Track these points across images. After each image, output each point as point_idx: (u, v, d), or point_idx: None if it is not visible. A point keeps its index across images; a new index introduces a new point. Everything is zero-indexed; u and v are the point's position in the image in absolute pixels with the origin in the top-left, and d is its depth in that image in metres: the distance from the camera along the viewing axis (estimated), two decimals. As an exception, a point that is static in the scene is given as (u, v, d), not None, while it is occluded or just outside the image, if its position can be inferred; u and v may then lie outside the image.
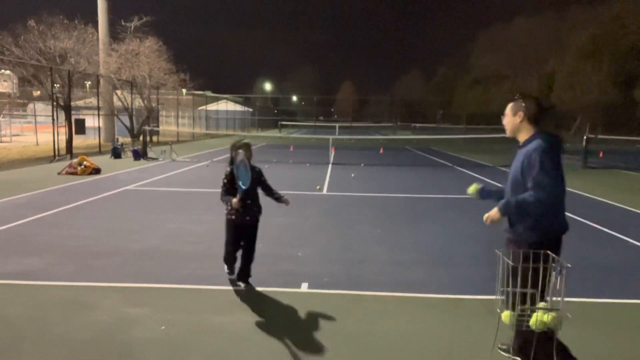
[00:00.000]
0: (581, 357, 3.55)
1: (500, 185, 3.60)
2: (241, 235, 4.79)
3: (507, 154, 22.42)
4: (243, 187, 4.41)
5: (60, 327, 3.85)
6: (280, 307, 4.36)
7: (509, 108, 3.26)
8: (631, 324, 4.14)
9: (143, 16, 26.34)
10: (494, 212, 3.16)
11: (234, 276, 4.92)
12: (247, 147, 4.62)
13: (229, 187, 4.63)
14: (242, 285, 4.81)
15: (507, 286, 3.05)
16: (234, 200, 4.48)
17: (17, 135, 29.14)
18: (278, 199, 4.79)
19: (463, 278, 5.21)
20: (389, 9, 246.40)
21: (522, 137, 3.20)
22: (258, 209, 4.78)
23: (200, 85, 34.29)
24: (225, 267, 5.02)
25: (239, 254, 4.91)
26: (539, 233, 3.08)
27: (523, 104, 3.19)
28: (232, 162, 4.63)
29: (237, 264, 4.93)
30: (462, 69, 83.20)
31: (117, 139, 20.45)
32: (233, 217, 4.68)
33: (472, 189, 3.48)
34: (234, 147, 4.64)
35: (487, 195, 3.50)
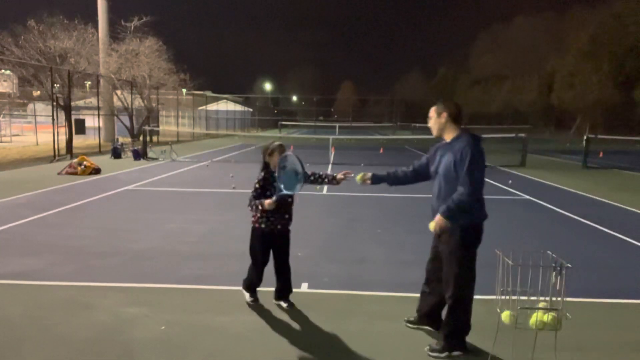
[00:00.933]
0: (581, 357, 3.56)
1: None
2: (270, 246, 4.30)
3: (507, 153, 22.43)
4: (284, 192, 3.92)
5: (60, 327, 3.85)
6: (280, 307, 4.35)
7: (433, 111, 3.60)
8: (631, 324, 4.14)
9: (143, 16, 26.34)
10: (440, 220, 3.38)
11: (257, 299, 4.44)
12: (282, 148, 4.17)
13: (261, 192, 4.16)
14: (284, 305, 4.36)
15: (507, 286, 3.06)
16: (267, 201, 4.02)
17: (17, 135, 29.15)
18: (330, 180, 4.31)
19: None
20: (389, 9, 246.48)
21: (449, 136, 3.54)
22: (290, 218, 4.29)
23: (200, 85, 34.32)
24: (247, 294, 4.43)
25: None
26: (470, 219, 3.39)
27: (445, 106, 3.55)
28: (265, 167, 4.21)
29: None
30: (462, 69, 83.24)
31: (117, 139, 20.45)
32: (263, 225, 4.19)
33: (359, 177, 3.88)
34: (271, 150, 4.17)
35: (378, 180, 3.92)
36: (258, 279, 4.38)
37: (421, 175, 3.84)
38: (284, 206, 4.18)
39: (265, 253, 4.31)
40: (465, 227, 3.39)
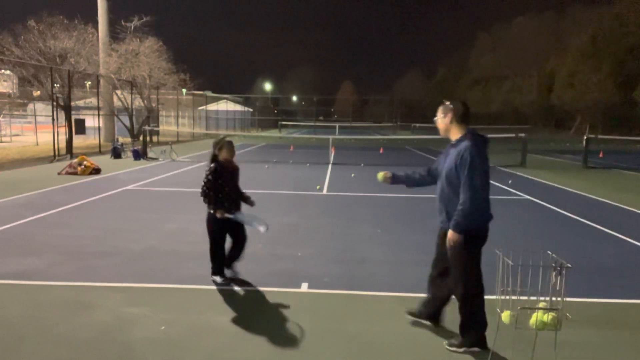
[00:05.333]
0: (581, 357, 3.55)
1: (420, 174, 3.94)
2: (226, 228, 4.82)
3: (507, 153, 22.42)
4: (243, 218, 4.75)
5: (60, 327, 3.85)
6: (280, 307, 4.35)
7: (440, 111, 3.61)
8: (631, 324, 4.14)
9: (143, 16, 26.32)
10: (454, 237, 3.40)
11: (230, 273, 4.95)
12: (230, 145, 4.78)
13: (214, 183, 4.65)
14: (229, 272, 4.92)
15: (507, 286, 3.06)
16: (219, 213, 4.63)
17: (17, 135, 29.14)
18: (245, 199, 4.94)
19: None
20: (389, 9, 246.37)
21: (454, 136, 3.55)
22: (237, 201, 4.89)
23: (200, 85, 34.29)
24: (218, 278, 4.89)
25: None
26: (475, 222, 3.39)
27: (451, 106, 3.55)
28: (214, 159, 4.74)
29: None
30: (462, 69, 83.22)
31: (117, 139, 20.44)
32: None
33: (381, 175, 3.91)
34: (220, 146, 4.76)
35: (397, 180, 3.95)
36: (223, 256, 4.87)
37: (435, 177, 3.81)
38: (237, 193, 4.84)
39: (223, 235, 4.82)
40: (469, 230, 3.40)
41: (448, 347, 3.58)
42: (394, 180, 3.93)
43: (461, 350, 3.53)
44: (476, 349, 3.53)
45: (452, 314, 3.84)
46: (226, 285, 4.79)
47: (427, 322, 3.96)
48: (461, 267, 3.47)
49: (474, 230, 3.41)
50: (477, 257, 3.49)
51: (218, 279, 4.86)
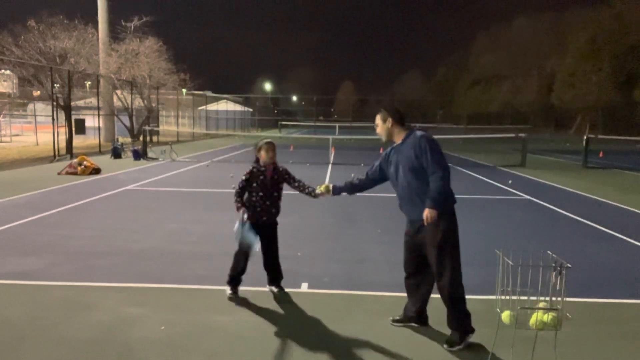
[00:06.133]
0: (581, 357, 3.55)
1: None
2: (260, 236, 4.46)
3: (507, 153, 22.44)
4: (249, 245, 4.33)
5: (60, 327, 3.85)
6: (280, 307, 4.35)
7: (378, 118, 3.81)
8: (631, 324, 4.13)
9: (143, 16, 26.35)
10: (431, 212, 3.48)
11: (235, 294, 4.55)
12: (269, 146, 4.46)
13: (247, 184, 4.43)
14: (275, 290, 4.61)
15: (507, 286, 3.06)
16: (241, 210, 4.35)
17: (17, 135, 29.15)
18: (309, 193, 4.67)
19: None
20: (389, 9, 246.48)
21: (399, 137, 3.75)
22: (277, 211, 4.58)
23: (200, 85, 34.34)
24: (229, 289, 4.52)
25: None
26: (450, 202, 3.60)
27: (388, 112, 3.75)
28: (257, 160, 4.49)
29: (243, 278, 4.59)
30: (462, 69, 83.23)
31: (117, 139, 20.45)
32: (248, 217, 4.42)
33: (323, 188, 4.19)
34: (259, 147, 4.49)
35: (338, 191, 4.22)
36: (242, 269, 4.47)
37: (376, 179, 4.11)
38: (272, 200, 4.50)
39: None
40: (449, 213, 3.58)
41: (450, 349, 3.56)
42: (335, 191, 4.19)
43: (462, 345, 3.54)
44: (471, 334, 3.58)
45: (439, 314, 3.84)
46: (233, 300, 4.47)
47: (416, 325, 3.96)
48: (449, 254, 3.53)
49: (452, 213, 3.60)
50: (458, 241, 3.62)
51: (227, 290, 4.53)
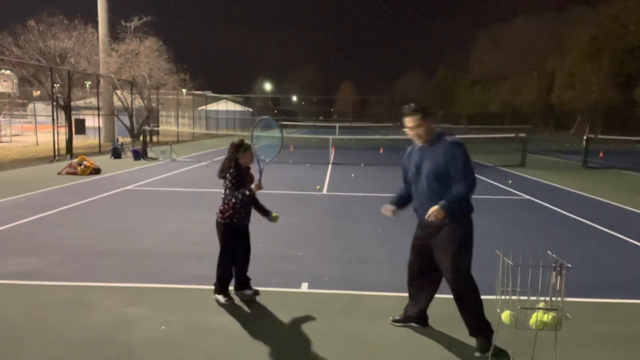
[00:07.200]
0: (581, 357, 3.55)
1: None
2: (238, 241, 4.41)
3: (507, 153, 22.44)
4: (267, 161, 4.20)
5: (60, 327, 3.85)
6: (280, 307, 4.35)
7: (415, 120, 3.53)
8: (632, 324, 4.13)
9: (143, 16, 26.35)
10: (440, 212, 3.36)
11: (233, 292, 4.52)
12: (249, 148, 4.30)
13: (239, 185, 4.25)
14: (249, 293, 4.50)
15: (507, 286, 3.06)
16: (254, 186, 4.16)
17: (17, 135, 29.13)
18: (265, 212, 4.54)
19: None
20: (389, 9, 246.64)
21: (429, 137, 3.58)
22: (250, 212, 4.48)
23: (200, 85, 34.37)
24: (221, 297, 4.41)
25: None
26: (468, 212, 3.55)
27: (426, 113, 3.55)
28: (236, 163, 4.28)
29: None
30: (462, 69, 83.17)
31: (117, 139, 20.45)
32: (234, 221, 4.31)
33: (387, 212, 3.90)
34: (243, 147, 4.30)
35: (400, 207, 3.95)
36: (230, 275, 4.46)
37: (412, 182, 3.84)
38: (249, 202, 4.38)
39: (238, 248, 4.41)
40: (468, 221, 3.53)
41: (485, 355, 3.41)
42: (397, 209, 3.94)
43: (491, 350, 3.39)
44: (491, 330, 3.47)
45: (437, 315, 3.85)
46: (230, 305, 4.38)
47: (416, 325, 3.95)
48: (463, 259, 3.48)
49: (471, 222, 3.55)
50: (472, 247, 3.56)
51: (221, 298, 4.42)
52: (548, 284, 3.04)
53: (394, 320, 4.03)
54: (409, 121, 3.58)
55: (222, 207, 4.35)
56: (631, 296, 4.76)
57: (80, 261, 5.55)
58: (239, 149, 4.30)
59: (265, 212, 4.57)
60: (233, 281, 4.55)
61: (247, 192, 4.20)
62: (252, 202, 4.47)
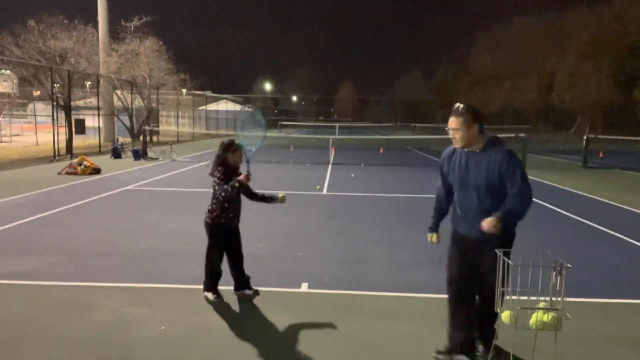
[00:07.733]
0: (581, 357, 3.55)
1: None
2: (227, 242, 4.42)
3: (507, 154, 22.38)
4: (253, 150, 4.22)
5: (60, 327, 3.85)
6: (281, 307, 4.35)
7: (459, 123, 3.21)
8: (631, 324, 4.13)
9: (143, 16, 26.32)
10: (496, 225, 3.10)
11: (233, 292, 4.54)
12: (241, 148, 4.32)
13: (226, 182, 4.24)
14: (250, 292, 4.52)
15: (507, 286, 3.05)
16: (242, 176, 4.15)
17: (17, 135, 29.13)
18: (270, 199, 4.53)
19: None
20: (389, 9, 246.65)
21: (478, 144, 3.26)
22: (240, 212, 4.50)
23: (200, 85, 34.35)
24: (210, 294, 4.42)
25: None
26: (514, 227, 3.34)
27: (473, 117, 3.22)
28: (223, 163, 4.32)
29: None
30: (462, 69, 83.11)
31: (117, 139, 20.45)
32: (223, 220, 4.32)
33: (434, 240, 3.72)
34: (232, 147, 4.32)
35: (438, 226, 3.69)
36: (218, 273, 4.45)
37: (451, 187, 3.53)
38: (238, 201, 4.40)
39: (224, 248, 4.42)
40: (513, 235, 3.34)
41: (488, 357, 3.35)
42: (439, 226, 3.69)
43: (491, 350, 3.34)
44: (495, 339, 3.39)
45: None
46: (219, 302, 4.40)
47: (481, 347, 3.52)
48: (501, 270, 3.12)
49: (514, 231, 3.33)
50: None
51: (210, 295, 4.43)
52: (548, 284, 3.03)
53: (438, 352, 3.52)
54: (452, 122, 3.25)
55: (210, 207, 4.38)
56: (631, 296, 4.76)
57: (80, 261, 5.55)
58: (229, 148, 4.32)
59: (269, 199, 4.54)
60: (233, 281, 4.56)
61: (236, 184, 4.16)
62: (249, 196, 4.50)
